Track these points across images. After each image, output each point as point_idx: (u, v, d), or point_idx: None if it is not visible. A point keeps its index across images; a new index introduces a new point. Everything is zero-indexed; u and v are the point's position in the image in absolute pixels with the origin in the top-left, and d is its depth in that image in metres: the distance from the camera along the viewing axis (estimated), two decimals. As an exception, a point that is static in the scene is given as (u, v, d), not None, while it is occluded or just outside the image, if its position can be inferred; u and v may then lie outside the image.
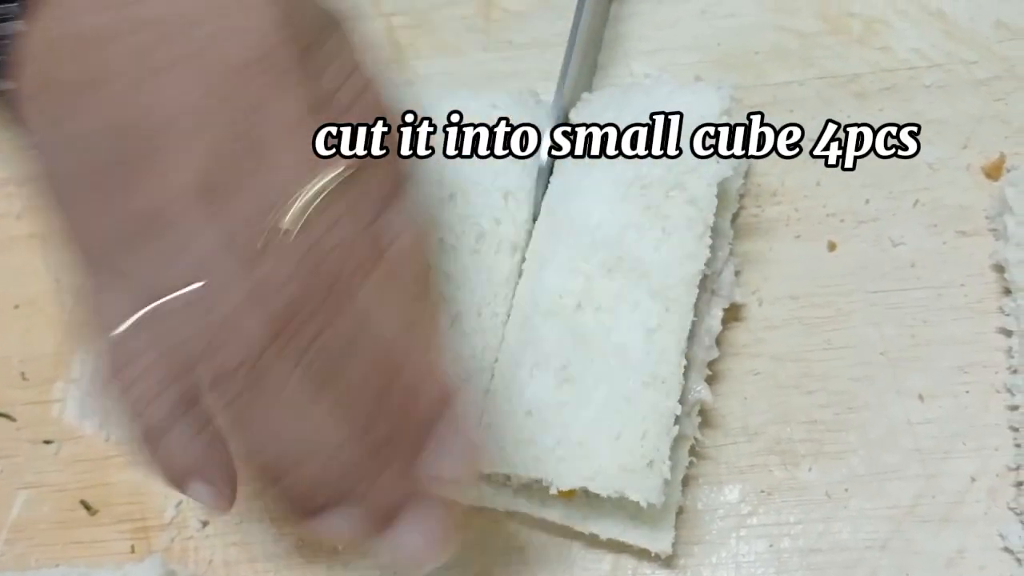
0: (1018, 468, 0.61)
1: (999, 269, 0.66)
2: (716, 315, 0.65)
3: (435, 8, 0.83)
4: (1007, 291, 0.65)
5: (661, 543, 0.60)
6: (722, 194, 0.65)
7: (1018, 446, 0.61)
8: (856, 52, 0.76)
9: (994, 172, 0.70)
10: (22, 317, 0.78)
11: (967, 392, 0.64)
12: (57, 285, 0.78)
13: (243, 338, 0.41)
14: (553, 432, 0.59)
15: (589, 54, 0.76)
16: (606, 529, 0.61)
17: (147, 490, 0.69)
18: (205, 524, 0.67)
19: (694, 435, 0.63)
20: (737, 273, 0.67)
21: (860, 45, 0.76)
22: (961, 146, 0.71)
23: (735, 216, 0.70)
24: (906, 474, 0.62)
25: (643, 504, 0.56)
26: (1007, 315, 0.65)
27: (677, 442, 0.59)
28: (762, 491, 0.63)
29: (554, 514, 0.62)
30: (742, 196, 0.71)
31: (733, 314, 0.67)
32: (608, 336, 0.60)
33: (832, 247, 0.69)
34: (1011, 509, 0.61)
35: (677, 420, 0.57)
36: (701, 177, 0.62)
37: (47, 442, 0.72)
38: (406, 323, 0.45)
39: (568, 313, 0.61)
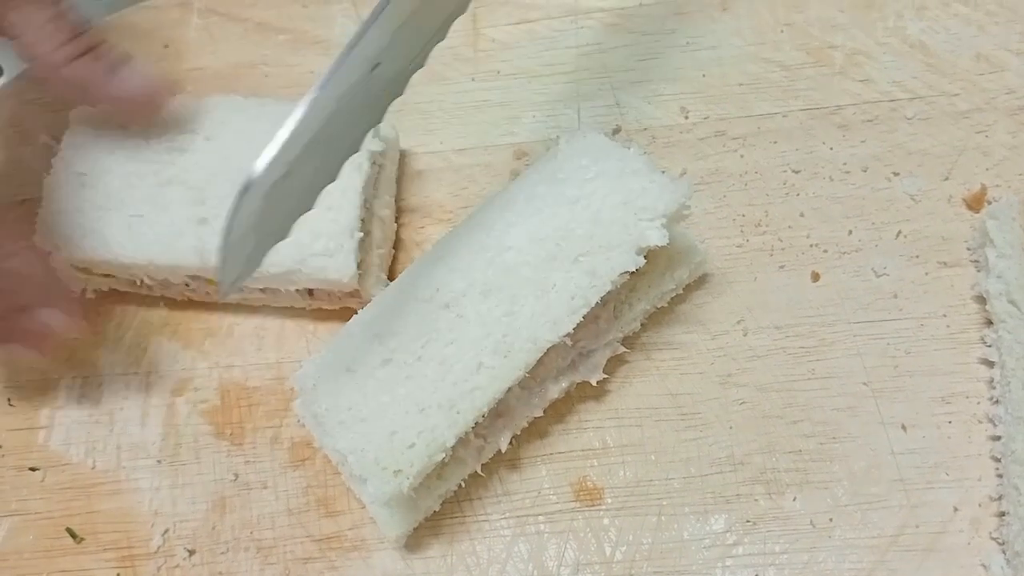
0: (1000, 498, 0.62)
1: (981, 300, 0.67)
2: (560, 385, 0.66)
3: (423, 37, 0.84)
4: (988, 322, 0.66)
5: (392, 530, 0.64)
6: (641, 285, 0.67)
7: (1000, 476, 0.62)
8: (838, 84, 0.77)
9: (976, 204, 0.71)
10: (8, 343, 0.77)
11: (949, 422, 0.65)
12: (43, 311, 0.78)
13: None
14: (353, 396, 0.62)
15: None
16: (361, 489, 0.65)
17: (133, 518, 0.69)
18: (192, 553, 0.67)
19: (476, 467, 0.65)
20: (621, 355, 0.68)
21: (842, 77, 0.77)
22: (943, 177, 0.72)
23: (660, 310, 0.70)
24: (890, 504, 0.63)
25: (376, 497, 0.60)
26: (988, 346, 0.66)
27: (452, 465, 0.63)
28: (748, 520, 0.63)
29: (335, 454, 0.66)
30: (681, 290, 0.70)
31: (588, 391, 0.68)
32: (448, 345, 0.62)
33: (816, 277, 0.70)
34: (994, 539, 0.61)
35: (450, 451, 0.60)
36: (610, 259, 0.62)
37: (32, 469, 0.72)
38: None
39: (433, 307, 0.64)
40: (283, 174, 0.57)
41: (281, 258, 0.67)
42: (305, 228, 0.66)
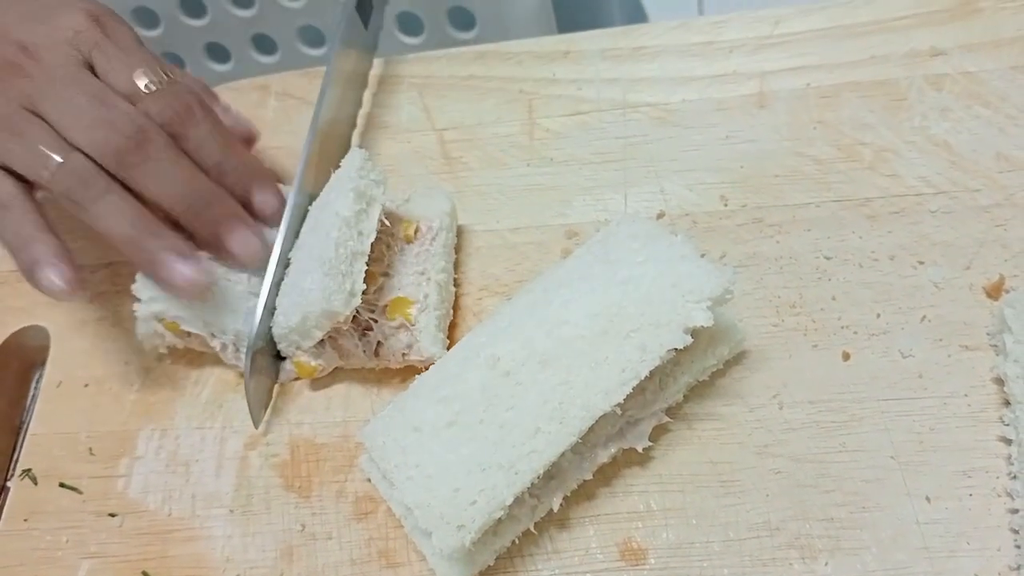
0: (1019, 568, 0.65)
1: (999, 382, 0.72)
2: (608, 450, 0.71)
3: (483, 126, 0.91)
4: (1006, 402, 0.71)
5: None
6: (685, 360, 0.72)
7: (1018, 547, 0.66)
8: (868, 178, 0.83)
9: (994, 292, 0.76)
10: (91, 395, 0.83)
11: (971, 495, 0.69)
12: (125, 366, 0.84)
13: (134, 124, 0.72)
14: (420, 454, 0.67)
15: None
16: (424, 542, 0.69)
17: (206, 564, 0.74)
18: (260, 597, 0.72)
19: (529, 525, 0.70)
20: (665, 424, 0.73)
21: (871, 172, 0.83)
22: (964, 267, 0.77)
23: (701, 384, 0.75)
24: (915, 571, 0.66)
25: (438, 551, 0.64)
26: (1007, 425, 0.70)
27: (507, 522, 0.67)
28: (782, 583, 0.67)
29: (400, 507, 0.71)
30: (721, 365, 0.75)
31: (634, 458, 0.73)
32: (508, 410, 0.67)
33: (846, 357, 0.75)
34: (1012, 606, 0.65)
35: (508, 509, 0.65)
36: (659, 336, 0.68)
37: (111, 515, 0.77)
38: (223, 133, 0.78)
39: (495, 374, 0.69)
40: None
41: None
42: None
